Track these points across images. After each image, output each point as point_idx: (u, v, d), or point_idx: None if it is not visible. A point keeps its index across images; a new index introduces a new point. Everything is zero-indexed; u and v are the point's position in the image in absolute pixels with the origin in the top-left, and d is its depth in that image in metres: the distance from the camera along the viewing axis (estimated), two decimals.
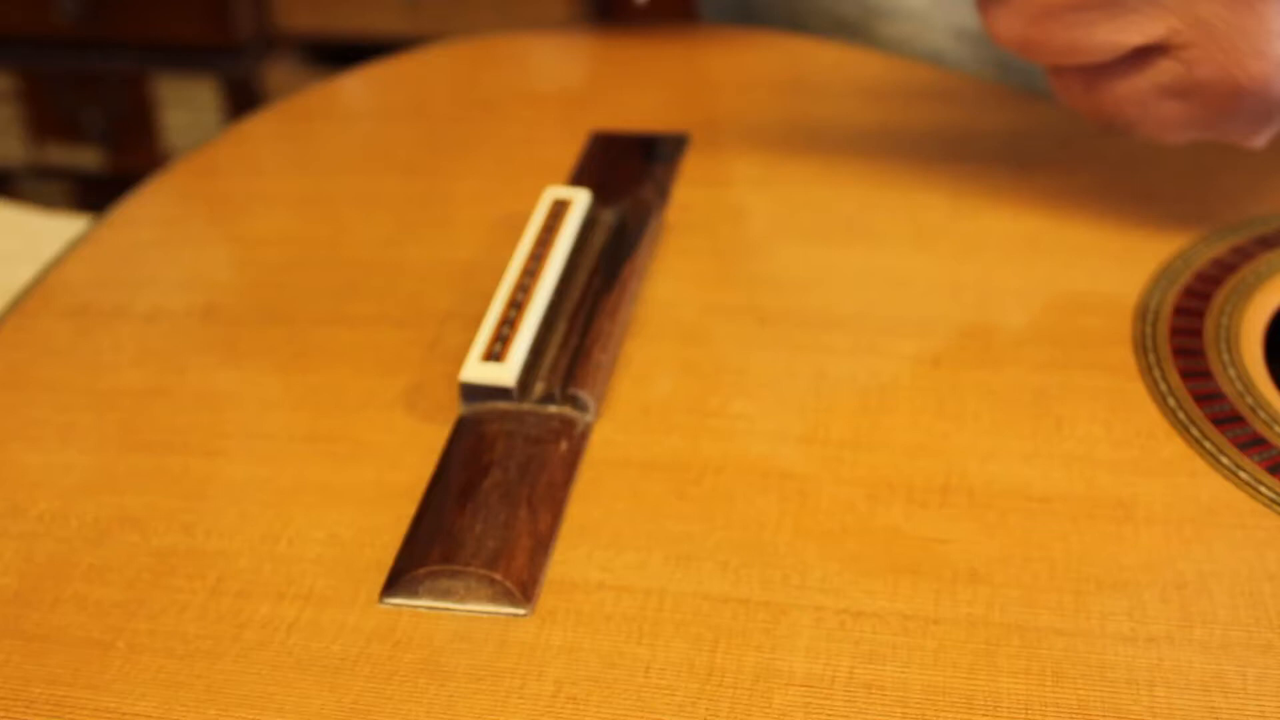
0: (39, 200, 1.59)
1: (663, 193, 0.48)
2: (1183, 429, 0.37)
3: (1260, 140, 0.41)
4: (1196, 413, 0.37)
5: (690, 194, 0.49)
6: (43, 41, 1.57)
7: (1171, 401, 0.38)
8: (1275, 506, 0.34)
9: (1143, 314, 0.41)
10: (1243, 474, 0.35)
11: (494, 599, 0.33)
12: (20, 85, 1.60)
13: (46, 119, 1.61)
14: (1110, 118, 0.41)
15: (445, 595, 0.33)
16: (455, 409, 0.39)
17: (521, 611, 0.32)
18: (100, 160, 1.62)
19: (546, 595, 0.33)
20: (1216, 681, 0.30)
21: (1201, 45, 0.38)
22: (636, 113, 0.52)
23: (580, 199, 0.44)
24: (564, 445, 0.37)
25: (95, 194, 1.63)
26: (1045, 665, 0.30)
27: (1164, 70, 0.39)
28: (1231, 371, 0.39)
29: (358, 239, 0.48)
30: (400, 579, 0.33)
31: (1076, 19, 0.38)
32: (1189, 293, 0.42)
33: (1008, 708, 0.30)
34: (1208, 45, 0.38)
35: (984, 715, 0.29)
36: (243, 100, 1.53)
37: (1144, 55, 0.39)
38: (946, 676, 0.30)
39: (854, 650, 0.31)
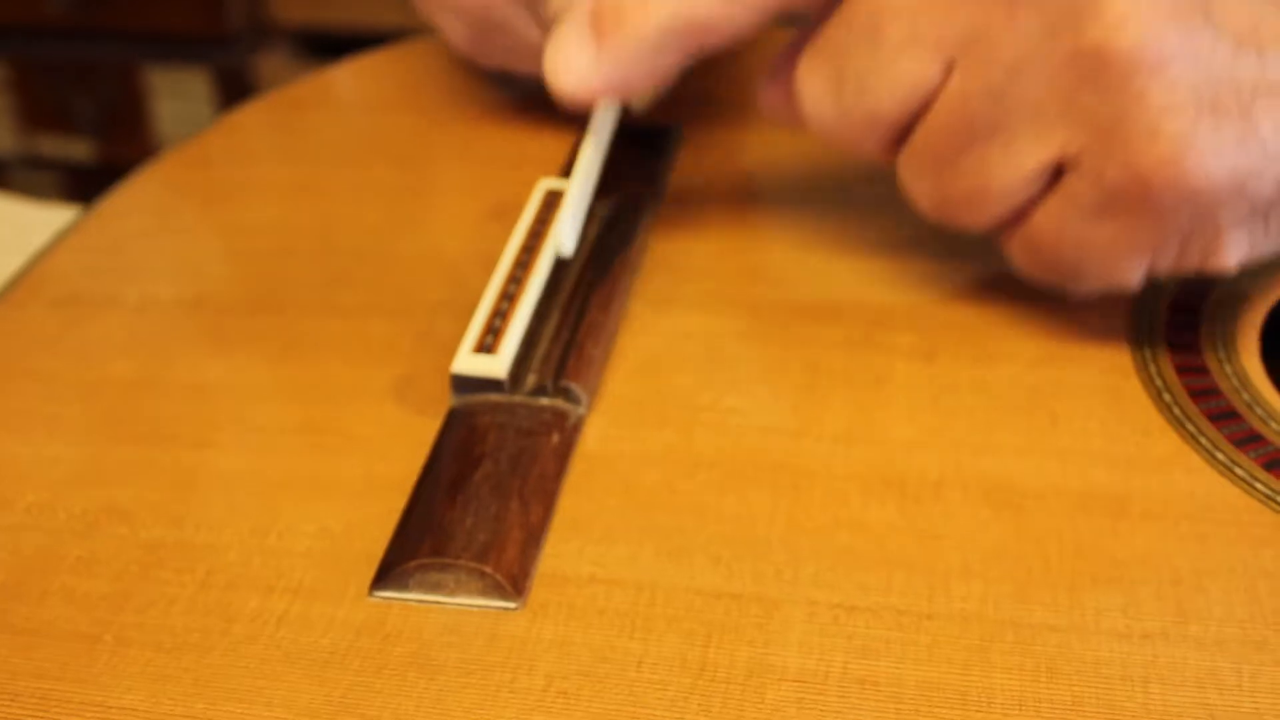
0: (30, 190, 1.58)
1: (657, 185, 0.48)
2: (1178, 425, 0.37)
3: (1229, 255, 0.36)
4: (1192, 408, 0.37)
5: (684, 186, 0.48)
6: (34, 31, 1.56)
7: (1167, 397, 0.37)
8: (1271, 503, 0.34)
9: (1139, 309, 0.41)
10: (1238, 470, 0.35)
11: (484, 592, 0.32)
12: (11, 75, 1.59)
13: (38, 109, 1.61)
14: (1056, 266, 0.38)
15: (435, 588, 0.33)
16: (446, 401, 0.38)
17: (512, 605, 0.32)
18: (91, 151, 1.61)
19: (537, 589, 0.33)
20: (1211, 678, 0.30)
21: (1094, 147, 0.35)
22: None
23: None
24: (556, 438, 0.37)
25: (86, 184, 1.62)
26: (1039, 661, 0.30)
27: (1075, 188, 0.36)
28: (1228, 367, 0.38)
29: (349, 229, 0.48)
30: (390, 572, 0.33)
31: (971, 157, 0.37)
32: (1186, 288, 0.41)
33: (1001, 704, 0.29)
34: (1101, 144, 0.34)
35: (977, 711, 0.29)
36: (235, 92, 1.52)
37: (1052, 179, 0.36)
38: (940, 672, 0.30)
39: (847, 645, 0.31)
